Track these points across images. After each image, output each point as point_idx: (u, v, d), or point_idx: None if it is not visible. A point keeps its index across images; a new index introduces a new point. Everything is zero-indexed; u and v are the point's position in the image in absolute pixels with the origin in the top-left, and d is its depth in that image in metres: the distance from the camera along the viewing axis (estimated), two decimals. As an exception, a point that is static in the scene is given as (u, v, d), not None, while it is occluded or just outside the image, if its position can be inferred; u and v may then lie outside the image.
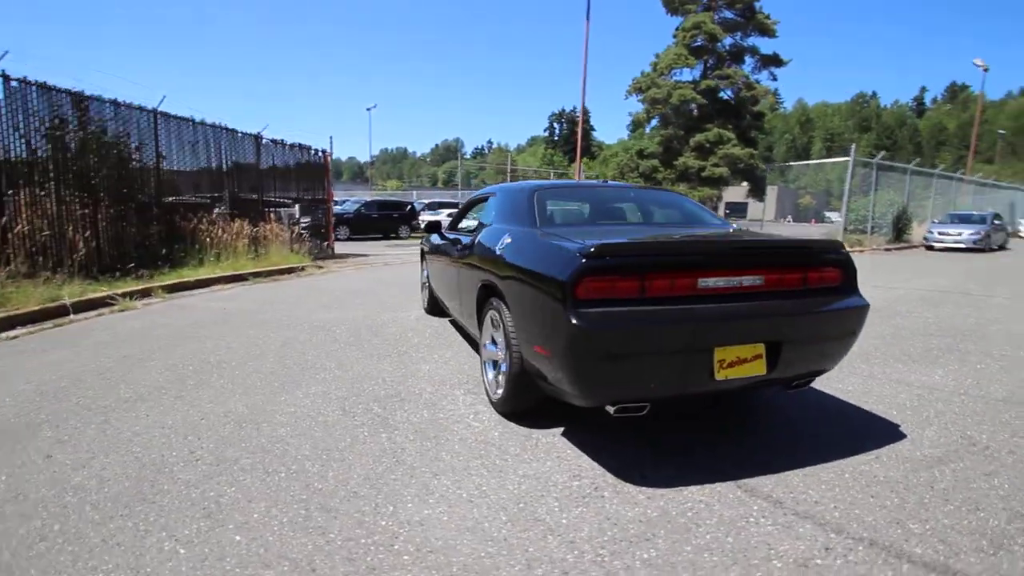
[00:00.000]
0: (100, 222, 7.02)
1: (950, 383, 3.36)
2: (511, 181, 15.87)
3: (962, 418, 2.81)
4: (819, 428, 2.68)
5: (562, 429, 2.63)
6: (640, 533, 1.80)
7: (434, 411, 2.86)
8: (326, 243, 12.84)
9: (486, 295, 3.00)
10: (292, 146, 11.99)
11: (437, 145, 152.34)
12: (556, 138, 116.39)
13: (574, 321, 1.95)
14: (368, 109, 40.41)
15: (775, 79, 16.66)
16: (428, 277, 5.15)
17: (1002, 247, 15.53)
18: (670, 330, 2.01)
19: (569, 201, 3.14)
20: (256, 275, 7.97)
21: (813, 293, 2.35)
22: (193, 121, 9.12)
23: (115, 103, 7.57)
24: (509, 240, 2.68)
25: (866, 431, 2.65)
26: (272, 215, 10.61)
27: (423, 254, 5.53)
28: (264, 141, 11.05)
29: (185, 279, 6.94)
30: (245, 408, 2.89)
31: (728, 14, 16.45)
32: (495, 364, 2.97)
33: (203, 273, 7.44)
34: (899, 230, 15.78)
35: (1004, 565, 1.65)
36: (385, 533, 1.80)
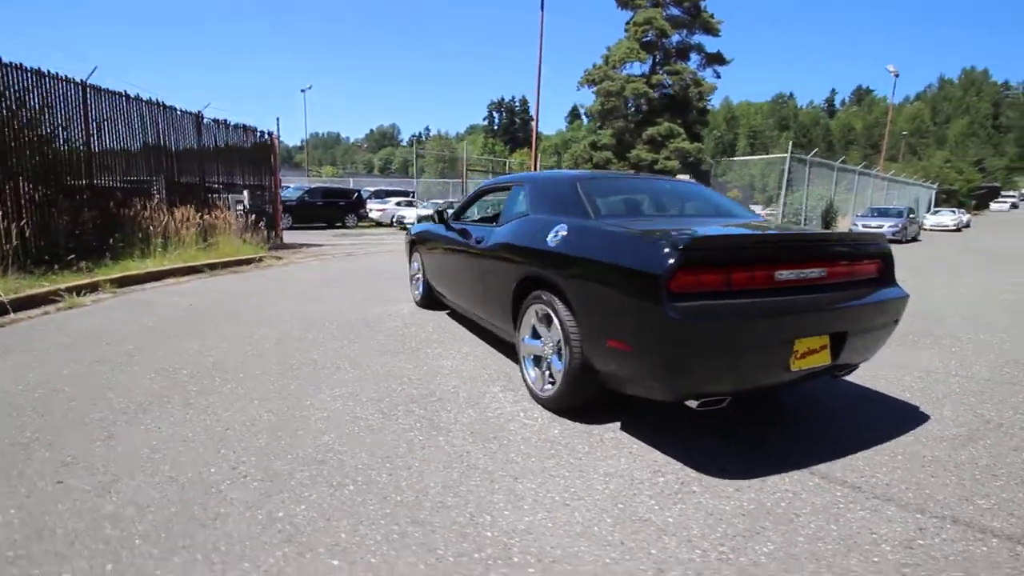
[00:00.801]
0: (23, 208, 6.15)
1: (938, 365, 3.66)
2: (464, 169, 15.59)
3: (965, 397, 3.06)
4: (853, 414, 2.82)
5: (618, 424, 2.60)
6: (749, 527, 1.81)
7: (480, 410, 2.74)
8: (274, 232, 12.07)
9: (526, 288, 2.90)
10: (236, 127, 11.12)
11: (372, 131, 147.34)
12: (496, 127, 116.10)
13: (671, 315, 1.92)
14: (303, 90, 38.23)
15: (719, 76, 17.54)
16: (423, 269, 4.93)
17: (915, 239, 17.24)
18: (763, 322, 2.03)
19: (609, 192, 3.08)
20: (211, 267, 7.33)
21: (865, 284, 2.45)
22: (127, 96, 8.21)
23: (37, 72, 6.64)
24: (565, 232, 2.59)
25: (894, 413, 2.82)
26: (220, 202, 9.80)
27: (412, 245, 5.29)
28: (205, 121, 10.17)
29: (133, 272, 6.25)
30: (271, 415, 2.63)
31: (675, 11, 16.99)
32: (537, 359, 2.89)
33: (151, 265, 6.75)
34: (827, 223, 17.10)
35: (1074, 533, 1.80)
36: (496, 545, 1.69)
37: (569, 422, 2.61)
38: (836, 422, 2.71)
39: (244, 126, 11.33)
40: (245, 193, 10.42)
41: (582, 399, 2.60)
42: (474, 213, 4.41)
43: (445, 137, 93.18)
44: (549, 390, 2.72)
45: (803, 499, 1.99)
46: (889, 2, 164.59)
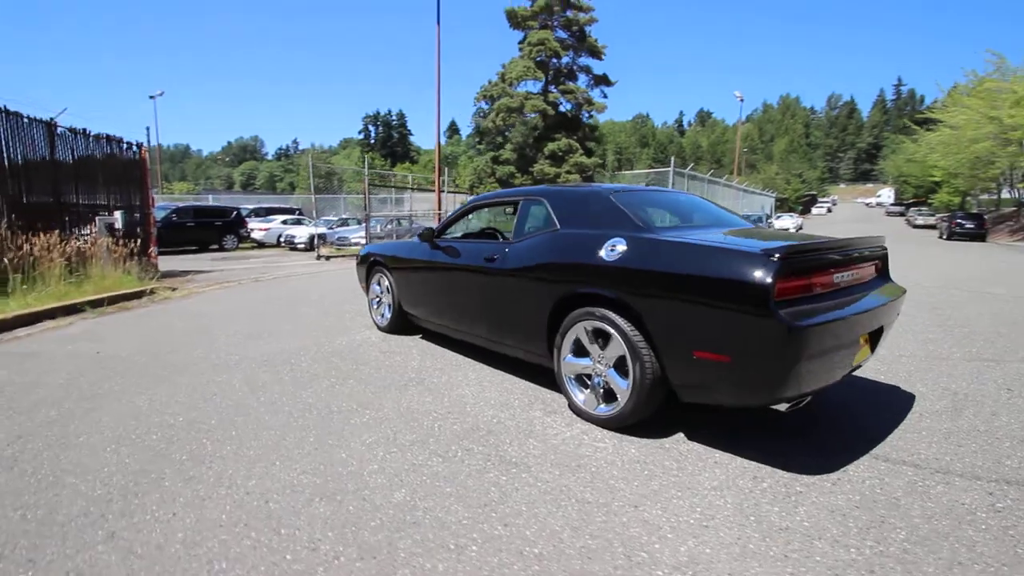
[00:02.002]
0: None
1: (880, 350, 4.20)
2: (366, 184, 14.88)
3: (923, 375, 3.56)
4: (859, 400, 3.13)
5: (682, 435, 2.61)
6: (872, 519, 1.91)
7: (542, 439, 2.58)
8: (148, 258, 10.41)
9: (569, 306, 2.81)
10: (98, 138, 9.41)
11: (230, 143, 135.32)
12: (373, 141, 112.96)
13: (782, 322, 1.97)
14: (152, 97, 33.60)
15: (606, 96, 18.89)
16: (392, 292, 4.56)
17: (771, 240, 19.99)
18: (848, 322, 2.17)
19: (641, 205, 3.08)
20: (94, 304, 6.07)
21: (876, 282, 2.75)
22: (-44, 97, 6.53)
23: None
24: (624, 246, 2.55)
25: (887, 395, 3.19)
26: (86, 226, 8.20)
27: (372, 267, 4.88)
28: (60, 130, 8.48)
29: (-6, 317, 4.95)
30: (311, 476, 2.22)
31: (562, 34, 17.99)
32: (582, 379, 2.81)
33: (16, 306, 5.40)
34: (704, 228, 19.13)
35: (1090, 479, 2.17)
36: (676, 583, 1.58)
37: (638, 439, 2.56)
38: (853, 409, 2.99)
39: (108, 136, 9.62)
40: (117, 215, 8.82)
41: (647, 414, 2.56)
42: (456, 230, 4.18)
43: (320, 151, 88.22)
44: (608, 409, 2.64)
45: (888, 483, 2.15)
46: (725, 37, 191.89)
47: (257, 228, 20.85)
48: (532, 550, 1.74)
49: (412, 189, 17.38)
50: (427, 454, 2.42)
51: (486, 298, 3.40)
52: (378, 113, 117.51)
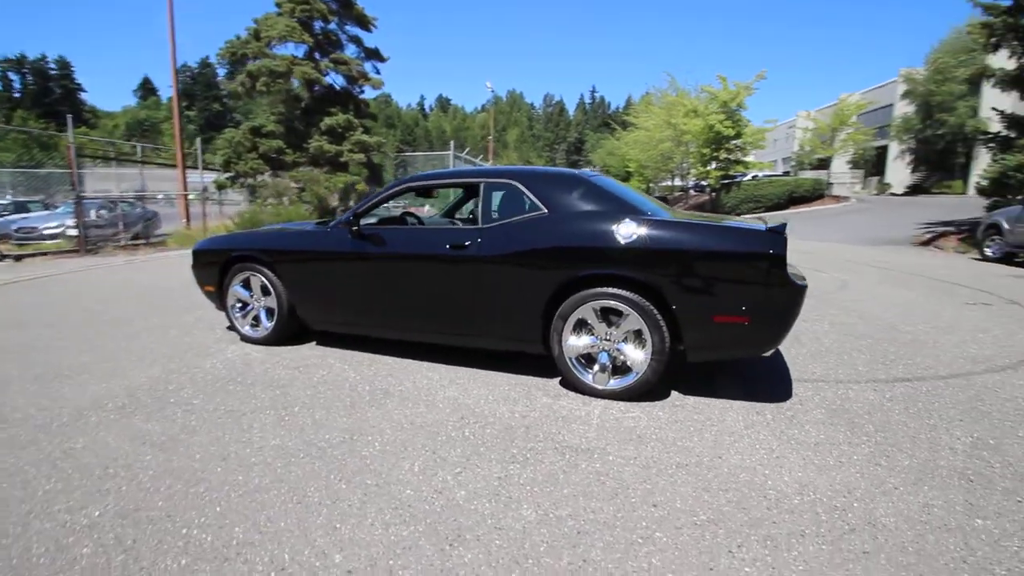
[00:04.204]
0: None
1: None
2: (72, 156, 11.05)
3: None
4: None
5: (677, 394, 2.97)
6: (847, 422, 2.61)
7: (583, 423, 2.61)
8: None
9: (569, 289, 2.85)
10: None
11: None
12: (18, 95, 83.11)
13: (795, 285, 2.49)
14: None
15: (379, 72, 17.91)
16: (282, 294, 3.70)
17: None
18: (804, 281, 2.84)
19: (619, 189, 3.23)
20: None
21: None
22: None
23: None
24: (640, 228, 2.70)
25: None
26: None
27: (234, 263, 3.85)
28: None
29: None
30: (405, 528, 1.80)
31: (325, -4, 16.26)
32: (582, 360, 2.93)
33: None
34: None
35: (967, 367, 3.39)
36: (814, 503, 1.91)
37: (653, 403, 2.82)
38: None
39: None
40: None
41: (659, 378, 2.84)
42: (368, 219, 3.63)
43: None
44: (622, 381, 2.83)
45: (825, 396, 2.94)
46: (463, 28, 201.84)
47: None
48: (698, 518, 1.84)
49: (142, 163, 13.60)
50: (499, 464, 2.21)
51: (454, 289, 3.14)
52: (24, 57, 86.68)
